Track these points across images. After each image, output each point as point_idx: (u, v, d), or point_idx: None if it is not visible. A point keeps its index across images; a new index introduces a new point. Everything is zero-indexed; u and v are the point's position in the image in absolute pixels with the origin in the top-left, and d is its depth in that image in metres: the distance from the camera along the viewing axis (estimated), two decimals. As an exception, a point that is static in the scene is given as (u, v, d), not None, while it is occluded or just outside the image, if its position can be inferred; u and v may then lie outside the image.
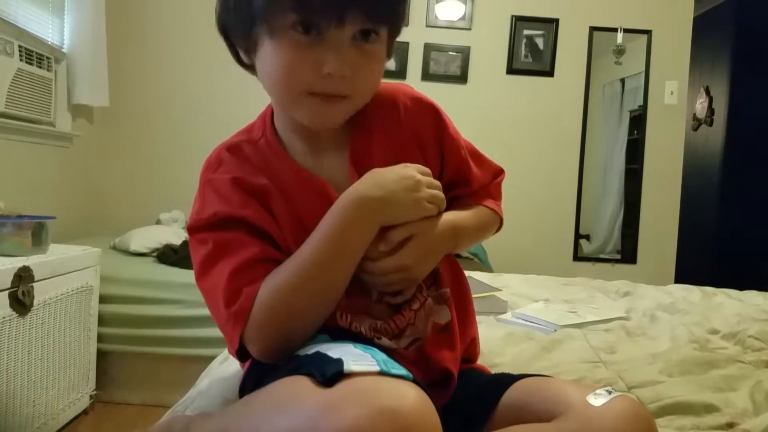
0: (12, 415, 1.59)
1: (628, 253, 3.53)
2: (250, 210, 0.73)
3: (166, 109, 3.32)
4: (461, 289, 0.88)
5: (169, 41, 3.31)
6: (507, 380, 0.77)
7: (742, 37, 4.28)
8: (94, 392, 2.04)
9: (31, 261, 1.66)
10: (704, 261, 4.27)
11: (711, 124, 4.52)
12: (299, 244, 0.71)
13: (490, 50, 3.42)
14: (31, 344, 1.66)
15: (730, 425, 0.90)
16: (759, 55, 4.24)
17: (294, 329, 0.70)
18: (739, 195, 4.28)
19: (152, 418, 1.14)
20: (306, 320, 0.70)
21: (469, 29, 3.41)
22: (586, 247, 3.57)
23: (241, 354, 0.72)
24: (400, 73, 3.35)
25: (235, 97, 3.15)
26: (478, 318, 0.93)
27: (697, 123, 4.67)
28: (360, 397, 0.51)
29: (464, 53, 3.41)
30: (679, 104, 3.47)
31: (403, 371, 0.56)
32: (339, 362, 0.56)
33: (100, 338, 2.08)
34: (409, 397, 0.52)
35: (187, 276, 2.18)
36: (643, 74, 3.47)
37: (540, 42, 3.43)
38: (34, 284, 1.65)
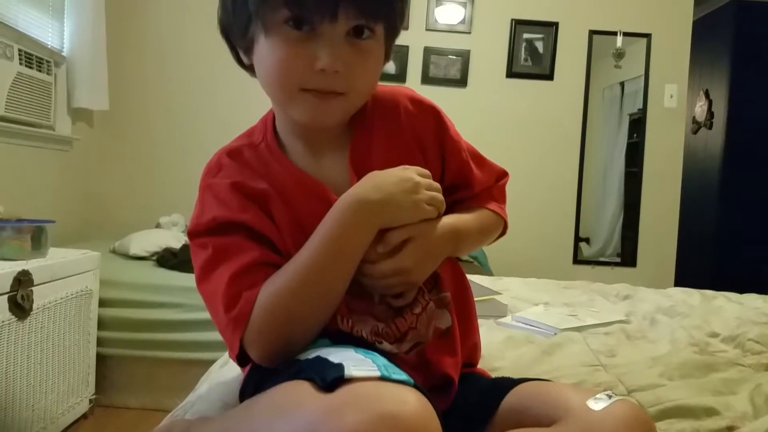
0: (11, 419, 1.59)
1: (627, 256, 3.53)
2: (250, 214, 0.74)
3: (165, 112, 3.33)
4: (463, 294, 0.88)
5: (168, 45, 3.31)
6: (507, 384, 0.77)
7: (742, 40, 4.28)
8: (94, 396, 2.04)
9: (31, 265, 1.66)
10: (704, 264, 4.27)
11: (710, 128, 4.52)
12: (299, 248, 0.71)
13: (489, 54, 3.42)
14: (30, 348, 1.66)
15: (730, 428, 0.90)
16: (758, 59, 4.25)
17: (294, 333, 0.70)
18: (739, 198, 4.28)
19: (152, 422, 1.14)
20: (306, 324, 0.70)
21: (469, 33, 3.42)
22: (586, 250, 3.57)
23: (242, 358, 0.72)
24: (400, 76, 3.35)
25: (236, 101, 3.16)
26: (478, 321, 0.93)
27: (696, 126, 4.67)
28: (361, 402, 0.51)
29: (464, 57, 3.41)
30: (679, 107, 3.47)
31: (404, 376, 0.56)
32: (340, 367, 0.56)
33: (100, 342, 2.08)
34: (409, 402, 0.52)
35: (187, 279, 2.18)
36: (643, 77, 3.47)
37: (540, 45, 3.44)
38: (33, 288, 1.65)
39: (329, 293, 0.70)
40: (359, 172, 0.76)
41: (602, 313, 1.66)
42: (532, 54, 3.44)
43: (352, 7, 0.67)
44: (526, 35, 3.43)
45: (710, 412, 0.94)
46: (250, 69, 0.77)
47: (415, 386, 0.55)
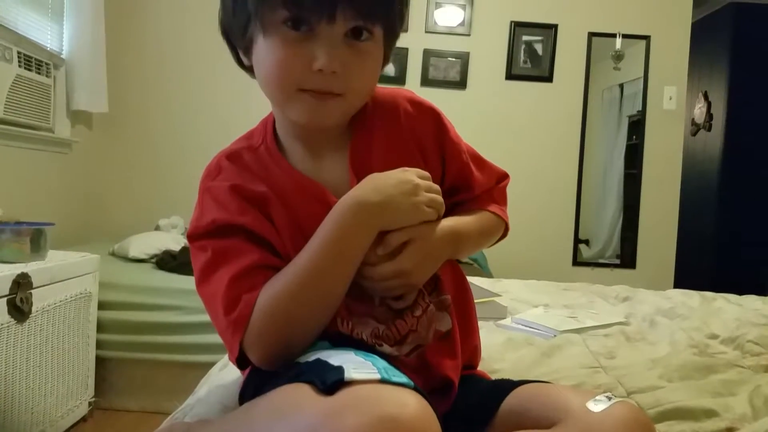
0: (10, 422, 1.59)
1: (627, 257, 3.53)
2: (249, 217, 0.74)
3: (165, 115, 3.33)
4: (464, 297, 0.88)
5: (168, 47, 3.32)
6: (507, 386, 0.77)
7: (740, 42, 4.29)
8: (93, 399, 2.04)
9: (30, 268, 1.66)
10: (703, 266, 4.27)
11: (709, 129, 4.53)
12: (299, 251, 0.71)
13: (489, 56, 3.43)
14: (29, 351, 1.66)
15: (730, 430, 0.90)
16: (757, 61, 4.26)
17: (293, 336, 0.69)
18: (738, 200, 4.29)
19: (151, 425, 1.14)
20: (305, 327, 0.70)
21: (468, 35, 3.42)
22: (586, 252, 3.57)
23: (241, 361, 0.72)
24: (400, 78, 3.36)
25: (235, 104, 3.16)
26: (478, 324, 0.93)
27: (695, 128, 4.68)
28: (361, 404, 0.51)
29: (463, 59, 3.41)
30: (678, 109, 3.47)
31: (404, 379, 0.56)
32: (340, 370, 0.56)
33: (99, 345, 2.08)
34: (409, 404, 0.52)
35: (186, 282, 2.18)
36: (642, 79, 3.47)
37: (539, 48, 3.44)
38: (32, 291, 1.65)
39: (329, 296, 0.70)
40: (359, 175, 0.76)
41: (602, 315, 1.66)
42: (531, 56, 3.45)
43: (350, 8, 0.67)
44: (525, 37, 3.43)
45: (710, 413, 0.94)
46: (249, 70, 0.77)
47: (415, 389, 0.55)
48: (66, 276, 1.83)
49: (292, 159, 0.79)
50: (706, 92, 4.59)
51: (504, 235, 0.92)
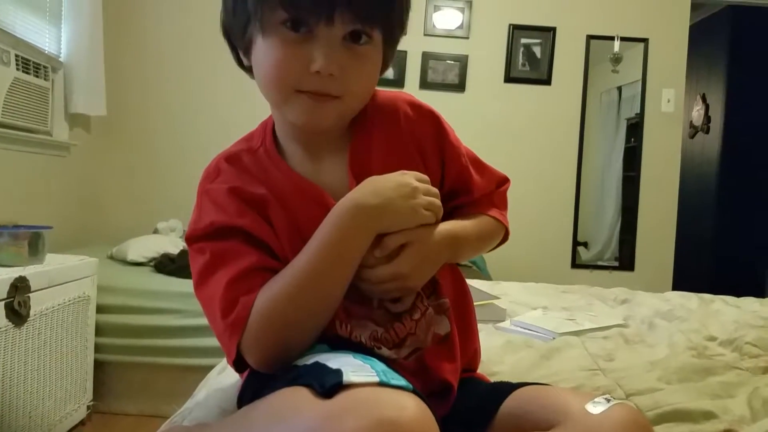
0: (8, 426, 1.58)
1: (625, 260, 3.54)
2: (247, 219, 0.74)
3: (163, 118, 3.33)
4: (463, 301, 0.88)
5: (166, 50, 3.32)
6: (506, 389, 0.77)
7: (738, 45, 4.31)
8: (91, 403, 2.03)
9: (28, 271, 1.66)
10: (702, 268, 4.28)
11: (707, 132, 4.54)
12: (297, 253, 0.71)
13: (487, 59, 3.43)
14: (27, 355, 1.66)
15: (729, 432, 0.90)
16: (754, 63, 4.27)
17: (291, 338, 0.69)
18: (736, 202, 4.29)
19: (150, 429, 1.14)
20: (303, 329, 0.70)
21: (467, 38, 3.43)
22: (584, 254, 3.57)
23: (239, 364, 0.72)
24: (398, 81, 3.36)
25: (233, 107, 3.16)
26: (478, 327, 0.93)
27: (693, 130, 4.69)
28: (359, 408, 0.51)
29: (462, 62, 3.42)
30: (676, 112, 3.48)
31: (402, 382, 0.56)
32: (338, 373, 0.56)
33: (98, 348, 2.07)
34: (408, 407, 0.52)
35: (185, 285, 2.18)
36: (640, 82, 3.48)
37: (537, 50, 3.45)
38: (30, 294, 1.65)
39: (327, 298, 0.70)
40: (358, 177, 0.76)
41: (600, 317, 1.66)
42: (529, 59, 3.45)
43: (348, 11, 0.67)
44: (523, 40, 3.44)
45: (708, 415, 0.94)
46: (249, 70, 0.78)
47: (414, 392, 0.55)
48: (64, 279, 1.83)
49: (292, 161, 0.79)
50: (704, 95, 4.60)
51: (504, 240, 0.92)
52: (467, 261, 2.72)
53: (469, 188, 0.87)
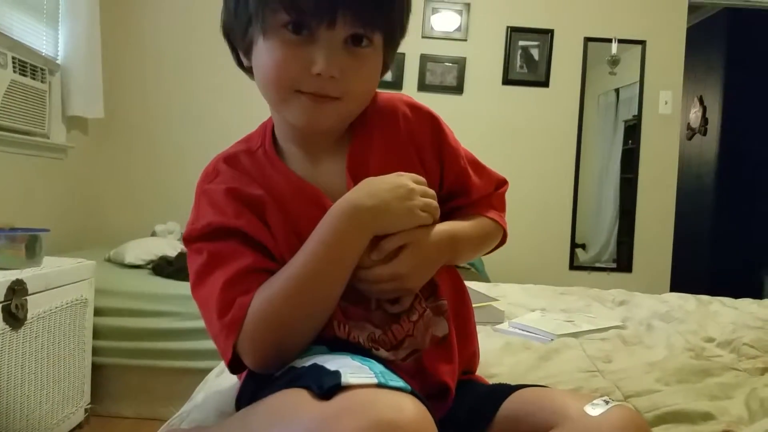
0: (5, 430, 1.58)
1: (623, 261, 3.54)
2: (245, 220, 0.73)
3: (160, 120, 3.33)
4: (462, 303, 0.88)
5: (164, 52, 3.32)
6: (505, 391, 0.77)
7: (735, 47, 4.32)
8: (89, 406, 2.03)
9: (25, 274, 1.65)
10: (699, 269, 4.29)
11: (705, 134, 4.55)
12: (294, 254, 0.71)
13: (485, 61, 3.44)
14: (24, 358, 1.65)
15: (727, 434, 0.90)
16: (751, 65, 4.28)
17: (288, 339, 0.69)
18: (734, 203, 4.30)
19: (147, 432, 1.14)
20: (299, 330, 0.70)
21: (465, 40, 3.43)
22: (582, 256, 3.58)
23: (235, 365, 0.72)
24: (396, 83, 3.36)
25: (231, 109, 3.16)
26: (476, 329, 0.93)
27: (691, 132, 4.70)
28: (358, 409, 0.51)
29: (460, 64, 3.42)
30: (674, 114, 3.49)
31: (401, 383, 0.56)
32: (336, 374, 0.56)
33: (95, 351, 2.07)
34: (407, 409, 0.52)
35: (182, 288, 2.17)
36: (638, 84, 3.49)
37: (535, 53, 3.45)
38: (27, 297, 1.64)
39: (323, 299, 0.70)
40: (356, 178, 0.76)
41: (598, 319, 1.66)
42: (527, 61, 3.46)
43: (350, 14, 0.67)
44: (521, 42, 3.45)
45: (706, 416, 0.94)
46: (249, 71, 0.78)
47: (413, 393, 0.55)
48: (61, 282, 1.83)
49: (290, 163, 0.79)
50: (701, 96, 4.61)
51: (502, 242, 0.92)
52: (465, 263, 2.72)
53: (468, 190, 0.87)
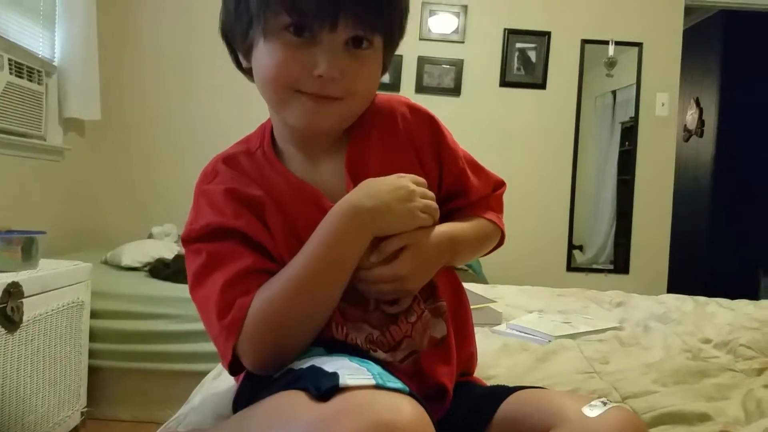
0: (1, 432, 1.58)
1: (620, 263, 3.54)
2: (244, 221, 0.73)
3: (157, 122, 3.32)
4: (460, 304, 0.88)
5: (161, 54, 3.31)
6: (502, 393, 0.77)
7: (731, 49, 4.33)
8: (86, 409, 2.02)
9: (21, 276, 1.64)
10: (696, 271, 4.29)
11: (701, 135, 4.56)
12: (293, 255, 0.71)
13: (483, 63, 3.44)
14: (20, 361, 1.64)
15: (724, 435, 0.90)
16: (747, 67, 4.29)
17: (287, 340, 0.69)
18: (730, 205, 4.31)
19: (144, 434, 1.14)
20: (299, 331, 0.70)
21: (462, 42, 3.44)
22: (580, 257, 3.58)
23: (234, 367, 0.72)
24: (394, 85, 3.36)
25: (229, 111, 3.16)
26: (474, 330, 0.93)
27: (687, 134, 4.71)
28: (356, 410, 0.51)
29: (457, 66, 3.43)
30: (670, 115, 3.50)
31: (399, 384, 0.56)
32: (334, 376, 0.56)
33: (92, 354, 2.06)
34: (405, 410, 0.52)
35: (180, 290, 2.17)
36: (635, 86, 3.50)
37: (532, 55, 3.46)
38: (23, 300, 1.64)
39: (323, 300, 0.70)
40: (356, 180, 0.76)
41: (596, 321, 1.66)
42: (524, 63, 3.46)
43: (351, 17, 0.68)
44: (518, 44, 3.45)
45: (703, 417, 0.94)
46: (248, 72, 0.78)
47: (411, 394, 0.55)
48: (58, 285, 1.82)
49: (289, 164, 0.79)
50: (697, 98, 4.62)
51: (500, 244, 0.92)
52: (463, 264, 2.72)
53: (466, 191, 0.87)
